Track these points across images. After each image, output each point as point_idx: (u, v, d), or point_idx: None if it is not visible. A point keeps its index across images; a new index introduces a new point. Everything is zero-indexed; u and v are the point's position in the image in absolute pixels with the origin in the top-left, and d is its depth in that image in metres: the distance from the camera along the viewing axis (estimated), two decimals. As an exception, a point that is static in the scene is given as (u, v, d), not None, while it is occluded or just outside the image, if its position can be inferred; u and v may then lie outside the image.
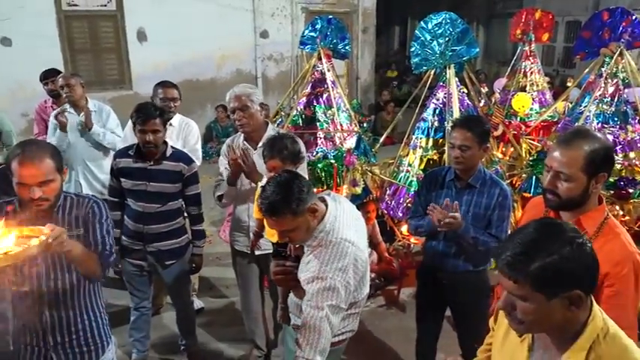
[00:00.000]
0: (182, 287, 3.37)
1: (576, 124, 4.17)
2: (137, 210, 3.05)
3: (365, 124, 5.05)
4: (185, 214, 3.27)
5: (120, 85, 8.42)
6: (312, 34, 4.79)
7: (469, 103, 4.28)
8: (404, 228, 4.34)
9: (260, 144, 2.93)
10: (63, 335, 2.11)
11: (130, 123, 3.86)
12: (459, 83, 4.20)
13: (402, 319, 4.02)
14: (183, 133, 3.78)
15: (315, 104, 4.64)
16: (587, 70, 4.69)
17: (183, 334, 3.49)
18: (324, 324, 1.86)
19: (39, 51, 7.48)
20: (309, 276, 1.94)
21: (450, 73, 4.08)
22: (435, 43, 4.02)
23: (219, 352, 3.65)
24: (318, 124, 4.58)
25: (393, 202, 4.24)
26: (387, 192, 4.36)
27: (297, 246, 2.14)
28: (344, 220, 2.05)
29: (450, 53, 4.02)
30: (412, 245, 4.53)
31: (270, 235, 2.31)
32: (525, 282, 1.18)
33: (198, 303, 4.11)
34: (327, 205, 2.04)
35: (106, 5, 8.21)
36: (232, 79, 9.06)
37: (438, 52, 4.05)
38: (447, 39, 3.99)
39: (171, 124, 3.68)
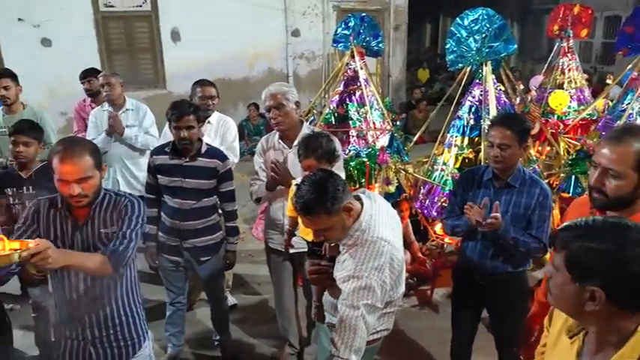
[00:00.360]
0: (216, 283, 3.41)
1: (618, 122, 4.03)
2: (173, 206, 3.10)
3: (398, 123, 4.99)
4: (219, 211, 3.30)
5: (154, 85, 8.58)
6: (345, 32, 4.78)
7: (506, 100, 4.20)
8: (438, 227, 4.28)
9: (295, 142, 2.94)
10: (101, 330, 2.15)
11: (167, 127, 3.94)
12: (495, 80, 4.12)
13: (435, 319, 3.98)
14: (221, 131, 3.82)
15: (347, 102, 4.63)
16: (629, 66, 4.54)
17: (217, 330, 3.53)
18: (360, 323, 1.85)
19: (77, 51, 7.69)
20: (344, 275, 1.93)
21: (487, 70, 4.00)
22: (471, 39, 3.95)
23: (252, 348, 3.67)
24: (350, 122, 4.56)
25: (427, 201, 4.19)
26: (421, 191, 4.31)
27: (332, 245, 2.13)
28: (380, 219, 2.03)
29: (487, 50, 3.94)
30: (446, 245, 4.47)
31: (305, 234, 2.31)
32: (561, 253, 1.20)
33: (231, 299, 4.14)
34: (362, 204, 2.03)
35: (141, 6, 8.38)
36: (264, 78, 9.12)
37: (475, 48, 3.97)
38: (483, 35, 3.91)
39: (209, 122, 3.73)
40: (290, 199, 2.49)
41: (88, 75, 4.71)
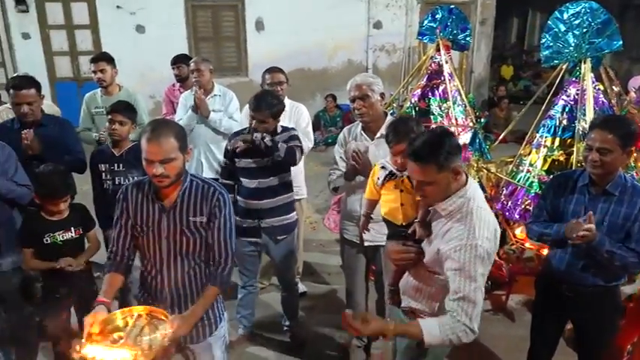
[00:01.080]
0: (289, 266, 3.46)
1: None
2: (250, 187, 3.16)
3: (482, 120, 4.81)
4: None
5: (237, 72, 8.82)
6: (432, 24, 4.65)
7: (604, 101, 3.89)
8: (518, 231, 4.08)
9: (378, 134, 2.91)
10: (181, 310, 2.19)
11: (246, 108, 4.03)
12: (594, 79, 3.83)
13: (509, 326, 3.81)
14: (294, 117, 3.86)
15: (429, 97, 4.51)
16: None
17: (287, 315, 3.58)
18: (479, 294, 1.84)
19: (168, 38, 8.05)
20: (455, 244, 1.87)
21: (586, 67, 3.73)
22: (570, 34, 3.69)
23: (320, 337, 3.69)
24: (432, 117, 4.44)
25: (509, 202, 3.99)
26: (504, 192, 4.11)
27: (423, 225, 2.09)
28: (481, 196, 2.01)
29: (587, 46, 3.66)
30: (525, 250, 4.25)
31: (392, 216, 2.28)
32: None
33: (301, 287, 4.18)
34: (467, 177, 2.01)
35: (229, -5, 8.63)
36: (343, 69, 9.12)
37: (573, 44, 3.71)
38: (584, 30, 3.64)
39: None
40: (371, 179, 2.47)
41: (178, 61, 4.90)
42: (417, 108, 4.54)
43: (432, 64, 4.57)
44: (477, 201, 1.94)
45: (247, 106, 3.98)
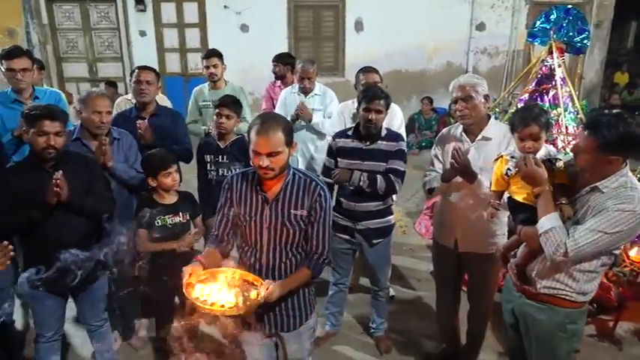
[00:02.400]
0: (383, 269, 3.41)
1: None
2: (350, 189, 3.15)
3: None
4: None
5: (333, 72, 8.90)
6: (545, 25, 4.38)
7: None
8: (633, 251, 3.73)
9: (479, 137, 2.80)
10: (278, 299, 2.22)
11: (339, 108, 4.04)
12: None
13: (615, 355, 3.50)
14: (388, 117, 3.79)
15: (538, 102, 4.25)
16: None
17: (376, 318, 3.54)
18: (592, 245, 2.02)
19: (269, 37, 8.32)
20: (620, 206, 1.99)
21: None
22: None
23: (407, 343, 3.61)
24: (539, 124, 4.18)
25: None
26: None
27: (567, 204, 2.14)
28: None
29: None
30: None
31: (531, 200, 2.23)
32: None
33: (390, 291, 4.13)
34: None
35: (331, -4, 8.73)
36: (442, 72, 8.89)
37: None
38: None
39: None
40: (497, 171, 2.39)
41: (278, 59, 5.04)
42: (523, 113, 4.29)
43: (543, 68, 4.31)
44: (636, 184, 2.05)
45: (342, 105, 3.99)
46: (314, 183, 2.20)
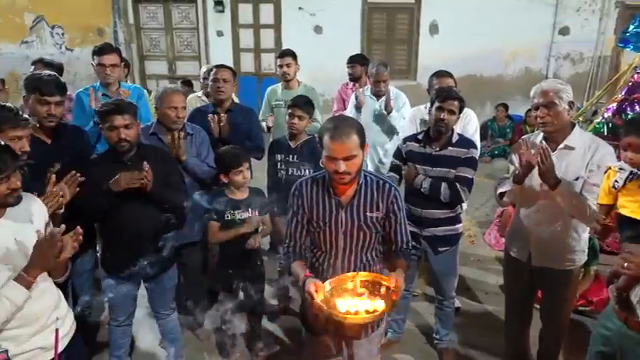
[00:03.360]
0: (449, 278, 3.31)
1: None
2: (418, 194, 3.08)
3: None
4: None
5: (405, 75, 8.78)
6: (639, 30, 4.08)
7: None
8: None
9: (562, 145, 2.63)
10: None
11: (411, 113, 3.96)
12: None
13: None
14: (462, 122, 3.68)
15: (628, 112, 3.97)
16: None
17: (440, 329, 3.44)
18: None
19: (342, 39, 8.33)
20: None
21: None
22: None
23: (471, 357, 3.47)
24: (628, 135, 3.90)
25: None
26: None
27: None
28: None
29: None
30: None
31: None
32: None
33: (455, 302, 4.00)
34: None
35: (406, -2, 8.62)
36: (519, 78, 8.54)
37: None
38: None
39: None
40: (605, 183, 2.31)
41: (353, 60, 5.04)
42: (610, 124, 4.03)
43: (635, 76, 4.02)
44: None
45: (414, 110, 3.92)
46: (387, 185, 2.19)
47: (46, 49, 9.12)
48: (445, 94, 3.00)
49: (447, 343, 3.45)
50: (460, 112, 3.05)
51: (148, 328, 3.54)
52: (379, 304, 1.96)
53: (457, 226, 3.19)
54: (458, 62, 7.92)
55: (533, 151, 2.58)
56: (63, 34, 9.49)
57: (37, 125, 2.66)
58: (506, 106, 8.43)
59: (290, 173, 3.45)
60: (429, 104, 3.32)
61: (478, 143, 3.78)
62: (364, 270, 2.21)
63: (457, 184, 2.99)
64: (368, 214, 2.14)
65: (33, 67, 4.19)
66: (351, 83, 5.03)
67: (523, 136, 2.99)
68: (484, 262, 4.78)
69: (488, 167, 7.39)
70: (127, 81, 4.95)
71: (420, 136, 3.12)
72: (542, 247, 2.75)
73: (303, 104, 3.43)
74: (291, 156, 3.49)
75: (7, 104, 2.34)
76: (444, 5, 8.39)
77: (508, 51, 8.63)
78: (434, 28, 8.62)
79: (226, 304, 2.82)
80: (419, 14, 8.63)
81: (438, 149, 3.03)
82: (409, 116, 3.95)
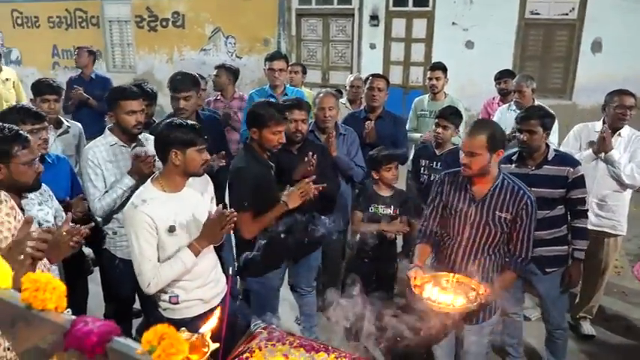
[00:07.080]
0: (558, 302, 3.20)
1: None
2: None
3: None
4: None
5: (559, 95, 8.37)
6: None
7: None
8: None
9: None
10: None
11: (577, 130, 3.80)
12: None
13: None
14: (631, 147, 3.49)
15: None
16: None
17: (551, 357, 3.31)
18: None
19: (494, 55, 8.22)
20: None
21: None
22: None
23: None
24: None
25: None
26: None
27: None
28: None
29: None
30: None
31: None
32: None
33: (588, 328, 3.86)
34: None
35: (567, 14, 8.23)
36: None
37: None
38: None
39: (619, 135, 3.50)
40: None
41: (503, 76, 5.08)
42: None
43: None
44: None
45: (579, 127, 3.74)
46: (522, 191, 2.34)
47: (220, 57, 10.34)
48: (524, 114, 2.98)
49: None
50: (545, 129, 2.88)
51: (288, 305, 3.97)
52: (459, 301, 2.22)
53: (565, 247, 3.08)
54: (621, 82, 7.33)
55: None
56: (235, 43, 10.70)
57: None
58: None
59: (431, 179, 3.64)
60: (598, 122, 3.35)
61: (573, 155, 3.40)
62: (484, 263, 2.40)
63: (578, 207, 2.98)
64: (497, 213, 2.33)
65: (216, 70, 4.95)
66: (498, 97, 5.07)
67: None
68: (630, 296, 4.48)
69: (645, 197, 6.75)
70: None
71: (513, 157, 3.06)
72: None
73: (449, 115, 3.62)
74: (435, 162, 3.68)
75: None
76: (611, 21, 7.85)
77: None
78: (596, 46, 8.11)
79: (358, 291, 3.09)
80: (581, 30, 8.18)
81: (534, 168, 2.95)
82: (573, 132, 3.77)
